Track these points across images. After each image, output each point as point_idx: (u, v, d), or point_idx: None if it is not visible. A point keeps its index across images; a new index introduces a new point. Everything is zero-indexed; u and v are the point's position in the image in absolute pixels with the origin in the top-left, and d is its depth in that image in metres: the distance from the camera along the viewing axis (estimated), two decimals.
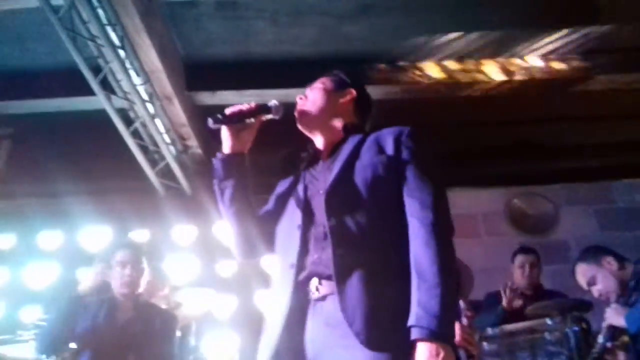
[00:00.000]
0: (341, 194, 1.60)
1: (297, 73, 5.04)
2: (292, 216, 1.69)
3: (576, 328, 2.96)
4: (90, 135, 5.11)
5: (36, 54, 4.72)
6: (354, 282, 1.44)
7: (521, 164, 5.71)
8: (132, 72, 4.20)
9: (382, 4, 4.35)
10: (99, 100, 4.43)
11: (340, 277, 1.45)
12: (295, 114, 1.89)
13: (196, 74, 4.87)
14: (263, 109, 1.77)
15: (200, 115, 5.15)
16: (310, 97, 1.91)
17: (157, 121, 4.63)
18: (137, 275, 3.07)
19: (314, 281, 1.54)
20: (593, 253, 3.03)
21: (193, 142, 5.14)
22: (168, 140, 4.85)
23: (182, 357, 3.61)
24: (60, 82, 4.76)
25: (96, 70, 4.16)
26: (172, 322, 3.16)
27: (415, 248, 1.48)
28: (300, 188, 1.75)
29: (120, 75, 4.21)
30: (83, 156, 5.21)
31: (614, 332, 2.76)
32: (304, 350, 1.51)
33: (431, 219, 1.51)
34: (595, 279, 2.93)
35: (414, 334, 1.37)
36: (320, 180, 1.72)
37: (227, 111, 1.72)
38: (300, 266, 1.56)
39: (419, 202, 1.55)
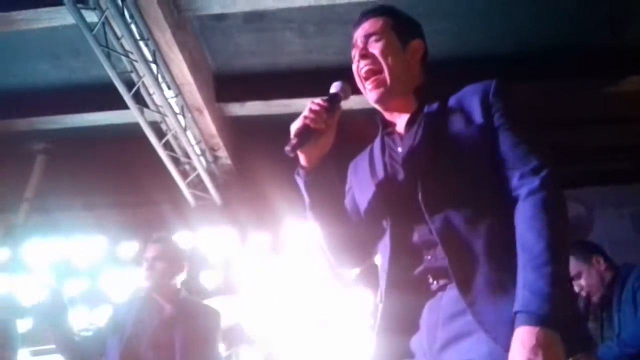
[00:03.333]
0: (437, 185, 1.37)
1: (325, 82, 5.12)
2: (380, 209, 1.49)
3: None
4: (123, 149, 5.21)
5: (71, 70, 4.84)
6: (473, 276, 1.26)
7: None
8: (163, 86, 4.28)
9: (409, 12, 4.35)
10: (131, 114, 4.52)
11: (458, 272, 1.28)
12: (370, 85, 1.54)
13: (225, 85, 4.94)
14: (332, 101, 1.48)
15: (229, 126, 5.21)
16: (381, 58, 1.53)
17: (188, 133, 4.70)
18: (157, 270, 2.99)
19: (428, 277, 1.38)
20: (585, 250, 3.04)
21: (222, 153, 5.19)
22: (198, 151, 4.91)
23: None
24: (94, 97, 4.87)
25: (129, 84, 4.24)
26: (216, 319, 3.08)
27: (521, 224, 1.26)
28: (381, 175, 1.52)
29: (152, 89, 4.29)
30: (116, 169, 5.29)
31: None
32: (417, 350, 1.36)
33: (537, 190, 1.27)
34: (581, 274, 2.95)
35: (520, 321, 1.15)
36: (403, 167, 1.48)
37: (295, 130, 1.43)
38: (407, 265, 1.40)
39: (522, 173, 1.32)
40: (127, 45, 3.94)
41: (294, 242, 5.24)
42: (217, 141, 5.01)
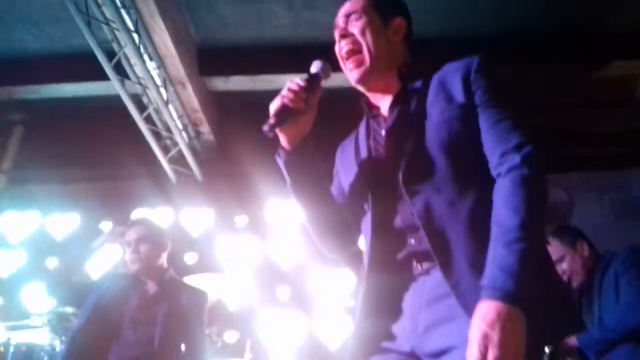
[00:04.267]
0: (417, 167, 1.33)
1: (312, 58, 5.05)
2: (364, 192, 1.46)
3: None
4: (103, 122, 5.10)
5: (51, 39, 4.70)
6: (456, 258, 1.23)
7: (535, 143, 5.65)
8: (145, 57, 4.18)
9: None
10: (112, 86, 4.42)
11: (441, 256, 1.25)
12: (350, 65, 1.49)
13: (209, 58, 4.85)
14: (312, 81, 1.44)
15: (212, 101, 5.12)
16: (360, 38, 1.49)
17: (170, 107, 4.61)
18: (142, 252, 2.97)
19: (412, 260, 1.34)
20: (570, 234, 3.06)
21: (205, 128, 5.11)
22: (180, 126, 4.82)
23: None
24: (74, 67, 4.75)
25: (110, 54, 4.14)
26: (200, 298, 3.06)
27: (497, 200, 1.23)
28: (364, 157, 1.49)
29: (134, 60, 4.18)
30: (96, 142, 5.19)
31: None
32: (399, 334, 1.33)
33: (518, 167, 1.23)
34: (564, 258, 2.97)
35: (484, 295, 1.13)
36: (385, 149, 1.45)
37: (273, 109, 1.39)
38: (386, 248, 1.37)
39: (503, 151, 1.27)
40: (109, 13, 3.83)
41: (274, 221, 5.20)
42: (200, 116, 4.92)
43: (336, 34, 1.54)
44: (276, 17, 4.52)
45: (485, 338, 1.08)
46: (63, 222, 5.38)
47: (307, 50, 4.73)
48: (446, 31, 4.46)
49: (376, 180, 1.43)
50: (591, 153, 5.65)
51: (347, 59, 1.50)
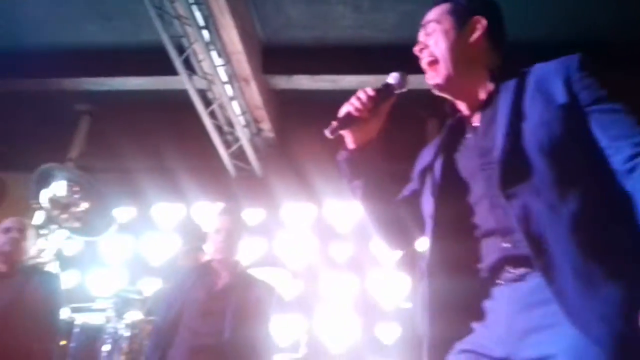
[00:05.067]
0: (517, 171, 1.27)
1: (375, 60, 5.07)
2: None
3: None
4: (166, 115, 5.24)
5: (121, 32, 4.85)
6: (559, 264, 1.18)
7: None
8: (213, 53, 4.26)
9: None
10: (178, 80, 4.53)
11: (542, 261, 1.20)
12: (429, 75, 1.48)
13: (273, 57, 4.91)
14: (383, 92, 1.46)
15: (275, 98, 5.18)
16: (435, 48, 1.47)
17: (234, 103, 4.68)
18: (231, 242, 2.99)
19: (505, 265, 1.29)
20: None
21: (266, 125, 5.18)
22: (243, 122, 4.89)
23: None
24: (142, 61, 4.89)
25: (179, 49, 4.24)
26: (269, 293, 3.07)
27: None
28: (447, 162, 1.44)
29: (202, 56, 4.28)
30: (159, 135, 5.32)
31: None
32: (488, 342, 1.29)
33: None
34: None
35: None
36: (476, 153, 1.39)
37: (341, 114, 1.44)
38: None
39: (636, 142, 1.22)
40: (181, 9, 3.92)
41: (330, 218, 5.23)
42: (262, 113, 4.99)
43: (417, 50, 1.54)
44: (342, 18, 4.54)
45: None
46: (123, 211, 5.54)
47: (369, 51, 4.81)
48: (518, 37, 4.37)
49: (461, 183, 1.39)
50: None
51: (427, 71, 1.50)
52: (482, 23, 1.49)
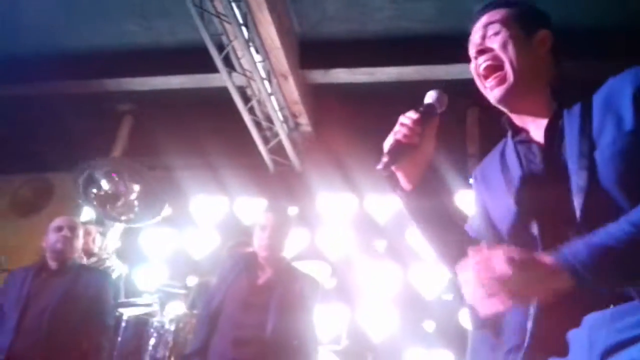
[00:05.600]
0: (596, 208, 1.20)
1: (412, 51, 5.03)
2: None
3: None
4: (206, 113, 5.31)
5: (159, 32, 4.92)
6: None
7: None
8: (252, 50, 4.29)
9: None
10: (217, 78, 4.58)
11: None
12: (491, 83, 1.37)
13: (309, 51, 4.92)
14: (427, 113, 1.36)
15: (312, 93, 5.19)
16: (502, 53, 1.36)
17: (273, 99, 4.71)
18: (276, 239, 3.02)
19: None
20: None
21: (304, 120, 5.19)
22: (281, 117, 4.92)
23: None
24: (181, 60, 4.95)
25: (218, 47, 4.28)
26: (313, 286, 3.09)
27: None
28: (523, 190, 1.33)
29: (241, 53, 4.31)
30: (199, 133, 5.39)
31: None
32: None
33: None
34: None
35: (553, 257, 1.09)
36: (552, 184, 1.29)
37: (387, 147, 1.32)
38: None
39: None
40: (220, 6, 3.96)
41: (370, 210, 5.22)
42: (300, 108, 5.01)
43: (472, 50, 1.42)
44: (379, 10, 4.51)
45: (513, 261, 1.07)
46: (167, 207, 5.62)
47: (407, 43, 4.77)
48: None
49: (542, 216, 1.29)
50: None
51: (487, 76, 1.38)
52: (548, 36, 1.40)
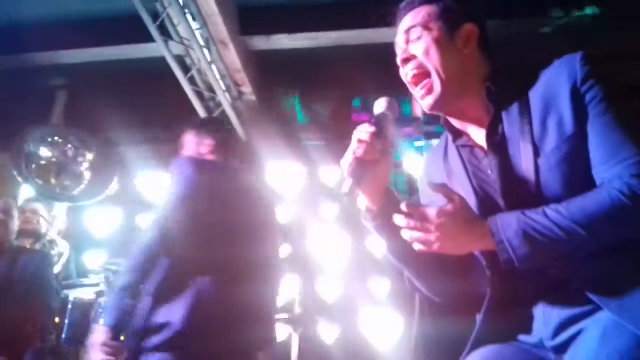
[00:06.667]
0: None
1: (354, 14, 4.95)
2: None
3: None
4: (145, 85, 5.11)
5: (91, 1, 4.68)
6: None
7: None
8: (189, 17, 4.13)
9: None
10: (153, 48, 4.41)
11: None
12: (421, 92, 1.34)
13: (250, 18, 4.77)
14: (380, 124, 1.29)
15: (254, 60, 5.06)
16: (426, 60, 1.31)
17: (213, 67, 4.58)
18: None
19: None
20: None
21: (247, 89, 5.07)
22: (224, 87, 4.80)
23: None
24: (116, 30, 4.73)
25: (154, 16, 4.10)
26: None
27: (585, 197, 1.15)
28: (473, 200, 1.32)
29: (177, 20, 4.15)
30: (139, 106, 5.20)
31: None
32: None
33: (622, 191, 1.11)
34: None
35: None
36: (502, 195, 1.29)
37: (349, 169, 1.24)
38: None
39: (613, 164, 1.15)
40: None
41: (316, 179, 5.20)
42: (242, 76, 4.88)
43: (398, 56, 1.38)
44: None
45: (447, 211, 1.17)
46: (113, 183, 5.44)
47: (349, 6, 4.68)
48: None
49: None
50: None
51: (416, 84, 1.36)
52: (475, 31, 1.35)
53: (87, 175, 4.53)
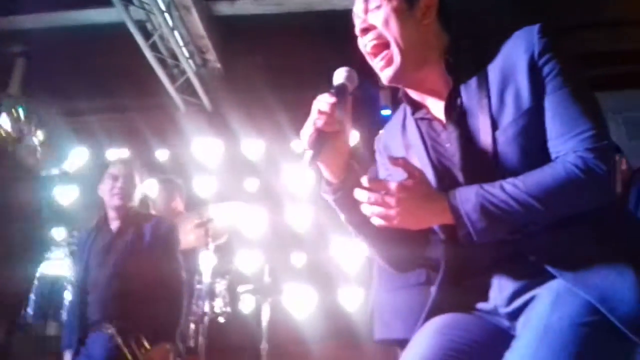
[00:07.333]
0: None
1: None
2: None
3: None
4: (106, 51, 4.97)
5: None
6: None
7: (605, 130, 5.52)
8: None
9: None
10: (115, 13, 4.30)
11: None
12: (380, 64, 1.32)
13: None
14: (340, 95, 1.25)
15: (218, 26, 4.98)
16: (385, 30, 1.29)
17: (176, 33, 4.49)
18: (128, 188, 3.08)
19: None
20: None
21: (212, 56, 5.00)
22: (187, 53, 4.71)
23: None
24: None
25: None
26: (166, 230, 3.10)
27: (541, 171, 1.16)
28: (430, 173, 1.32)
29: None
30: (102, 73, 5.08)
31: None
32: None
33: (578, 164, 1.13)
34: None
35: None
36: (461, 168, 1.29)
37: (309, 140, 1.21)
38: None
39: (568, 138, 1.17)
40: None
41: (286, 149, 5.17)
42: (206, 42, 4.80)
43: (356, 26, 1.35)
44: None
45: (407, 186, 1.16)
46: (71, 156, 5.34)
47: None
48: None
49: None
50: (604, 72, 5.54)
51: (375, 55, 1.33)
52: (434, 1, 1.33)
53: (39, 149, 4.46)
